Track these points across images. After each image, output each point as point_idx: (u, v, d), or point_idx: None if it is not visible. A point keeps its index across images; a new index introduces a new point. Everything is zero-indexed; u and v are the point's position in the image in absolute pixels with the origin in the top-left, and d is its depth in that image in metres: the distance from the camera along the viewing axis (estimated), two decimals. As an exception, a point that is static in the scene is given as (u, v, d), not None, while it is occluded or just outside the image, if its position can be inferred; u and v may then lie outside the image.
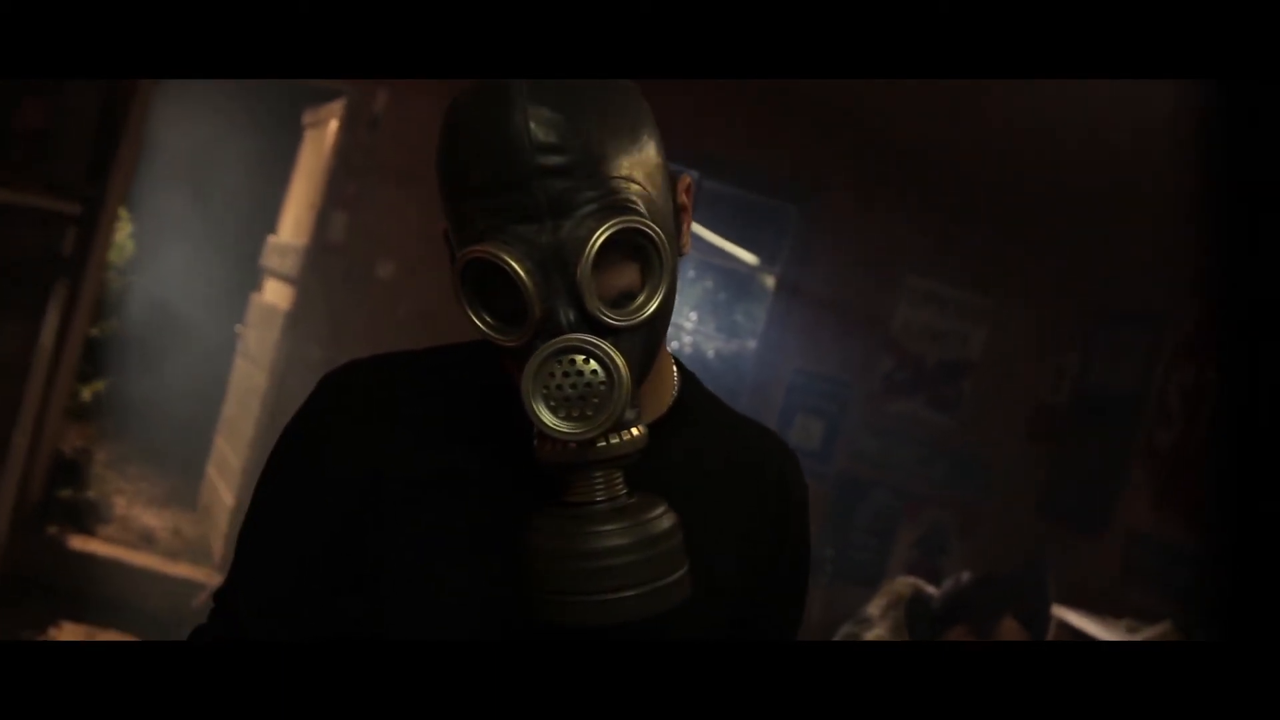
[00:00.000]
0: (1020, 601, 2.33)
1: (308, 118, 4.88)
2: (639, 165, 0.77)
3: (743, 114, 3.79)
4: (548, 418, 0.74)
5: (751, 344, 4.34)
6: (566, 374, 0.74)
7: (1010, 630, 2.22)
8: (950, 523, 4.14)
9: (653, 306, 0.77)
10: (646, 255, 0.77)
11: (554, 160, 0.73)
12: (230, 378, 4.96)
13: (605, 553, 0.74)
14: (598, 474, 0.76)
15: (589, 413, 0.74)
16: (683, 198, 0.84)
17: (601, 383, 0.74)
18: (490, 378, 0.86)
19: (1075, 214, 3.63)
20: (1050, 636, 2.63)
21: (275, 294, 4.61)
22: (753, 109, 3.78)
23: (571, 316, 0.74)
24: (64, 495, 4.19)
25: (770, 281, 4.27)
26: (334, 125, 4.21)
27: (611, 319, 0.75)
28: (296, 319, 4.05)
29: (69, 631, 3.66)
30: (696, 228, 4.15)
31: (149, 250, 5.48)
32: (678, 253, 0.82)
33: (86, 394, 5.12)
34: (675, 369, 0.95)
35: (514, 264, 0.73)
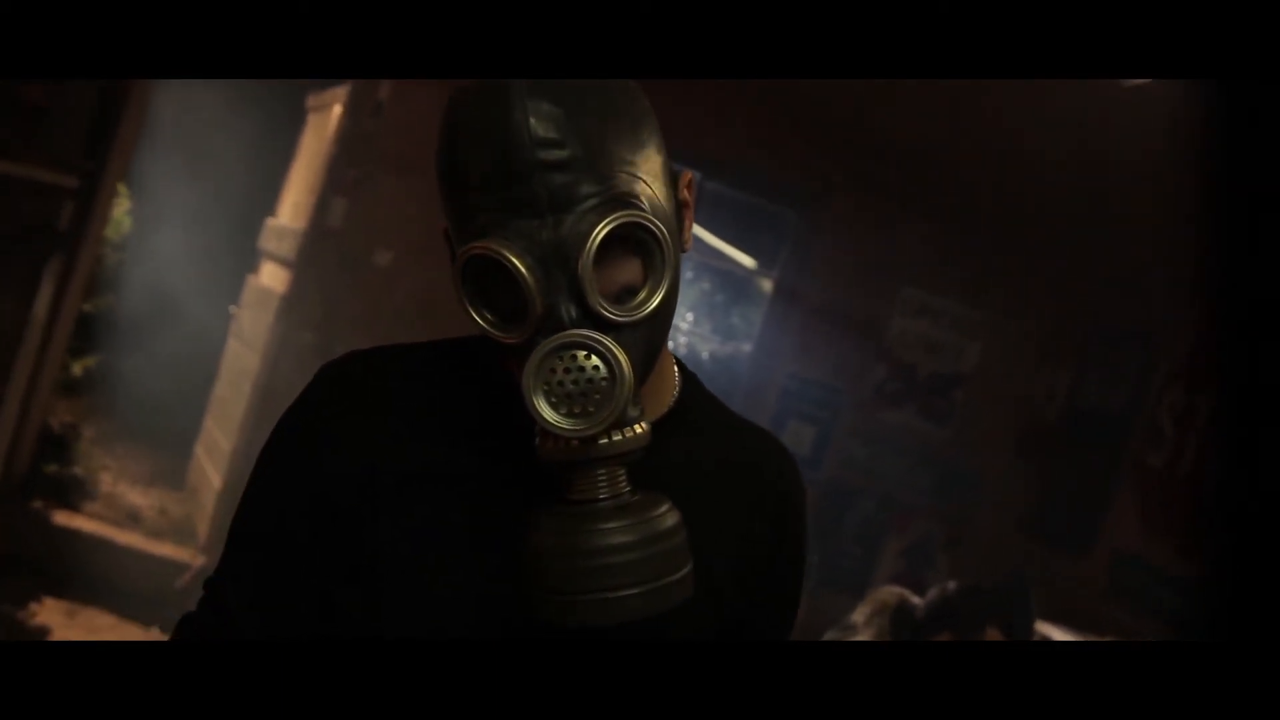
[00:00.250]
0: (1004, 613, 2.34)
1: (311, 101, 4.87)
2: (640, 160, 0.77)
3: (745, 117, 3.79)
4: (549, 414, 0.73)
5: (746, 347, 4.34)
6: (568, 370, 0.73)
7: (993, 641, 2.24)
8: (937, 534, 4.15)
9: (655, 302, 0.77)
10: (648, 250, 0.76)
11: (554, 155, 0.73)
12: (222, 359, 4.95)
13: (608, 550, 0.73)
14: (600, 471, 0.76)
15: (591, 409, 0.73)
16: (684, 193, 0.84)
17: (603, 379, 0.73)
18: (491, 374, 0.85)
19: (1074, 232, 3.64)
20: (1033, 652, 2.64)
21: (271, 277, 4.60)
22: (756, 112, 3.77)
23: (573, 312, 0.74)
24: (50, 470, 4.17)
25: (768, 285, 4.27)
26: (337, 110, 4.19)
27: (613, 314, 0.75)
28: (292, 303, 4.04)
29: (50, 607, 3.64)
30: (696, 229, 4.13)
31: (146, 227, 5.46)
32: (680, 248, 0.81)
33: (77, 369, 5.11)
34: (677, 369, 0.94)
35: (515, 260, 0.73)
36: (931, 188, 3.81)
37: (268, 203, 5.09)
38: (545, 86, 0.74)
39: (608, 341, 0.73)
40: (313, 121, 4.84)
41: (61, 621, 3.59)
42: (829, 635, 2.32)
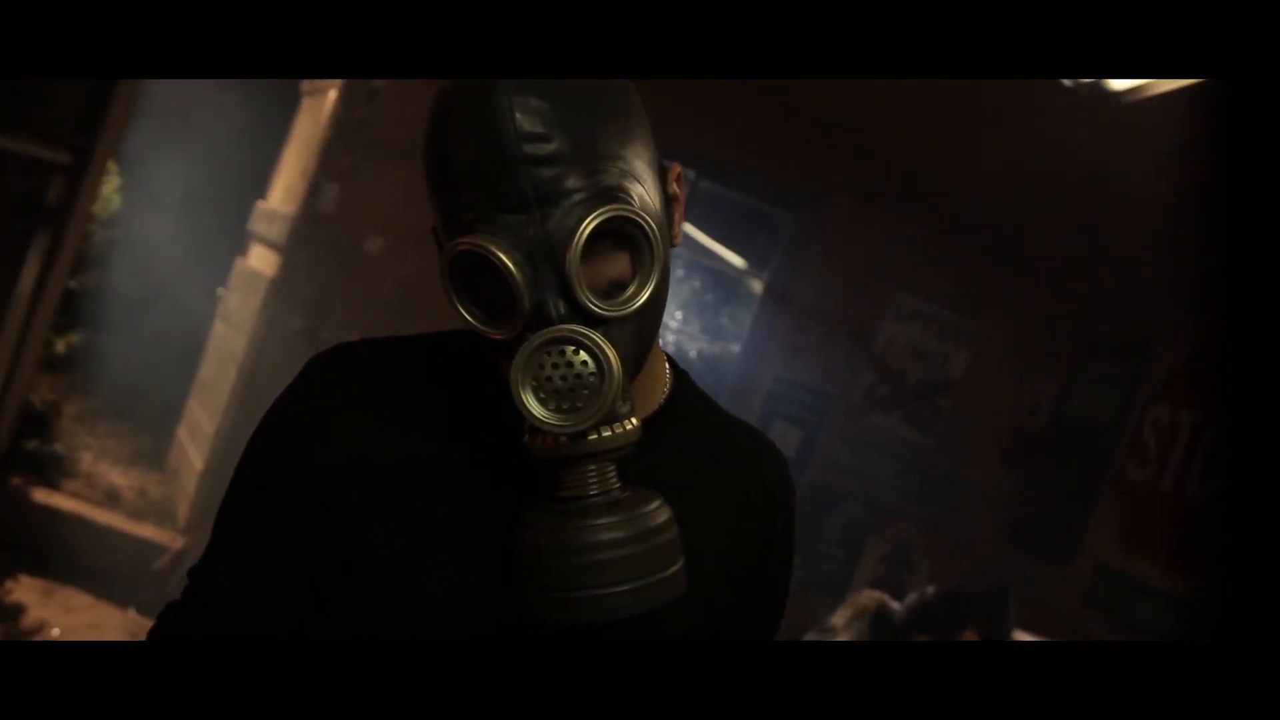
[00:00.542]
0: (983, 618, 2.35)
1: (306, 85, 4.84)
2: (627, 154, 0.76)
3: (742, 118, 3.79)
4: (537, 410, 0.73)
5: (735, 348, 4.34)
6: (556, 365, 0.73)
7: (971, 649, 2.25)
8: (918, 540, 4.16)
9: (644, 297, 0.76)
10: (637, 245, 0.76)
11: (540, 149, 0.72)
12: (208, 341, 4.92)
13: (599, 547, 0.72)
14: (590, 467, 0.75)
15: (579, 405, 0.72)
16: (673, 187, 0.83)
17: (592, 374, 0.73)
18: (480, 368, 0.85)
19: (1065, 244, 3.65)
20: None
21: (260, 260, 4.57)
22: (753, 114, 3.77)
23: (561, 308, 0.73)
24: (30, 446, 4.14)
25: (758, 286, 4.27)
26: (332, 95, 4.17)
27: (601, 309, 0.74)
28: (280, 287, 4.02)
29: (26, 585, 3.62)
30: (689, 228, 4.14)
31: (135, 205, 5.42)
32: (669, 243, 0.81)
33: (61, 346, 5.07)
34: (668, 367, 0.94)
35: (502, 255, 0.72)
36: (926, 195, 3.81)
37: (259, 185, 5.05)
38: (532, 82, 0.73)
39: (596, 337, 0.73)
40: (307, 105, 4.81)
41: (38, 600, 3.57)
42: (809, 637, 2.33)
